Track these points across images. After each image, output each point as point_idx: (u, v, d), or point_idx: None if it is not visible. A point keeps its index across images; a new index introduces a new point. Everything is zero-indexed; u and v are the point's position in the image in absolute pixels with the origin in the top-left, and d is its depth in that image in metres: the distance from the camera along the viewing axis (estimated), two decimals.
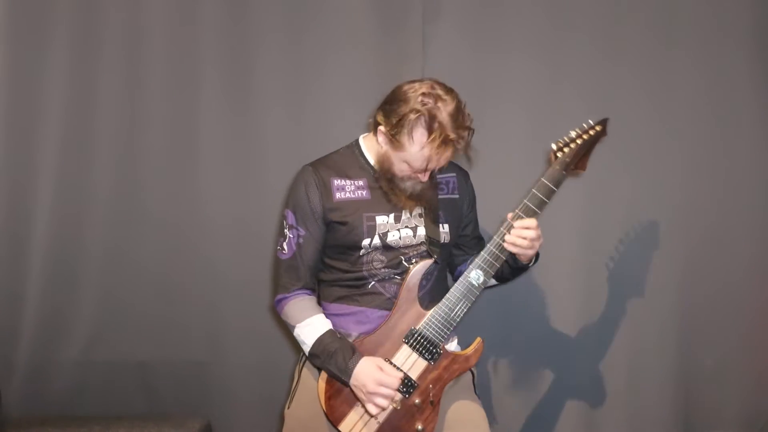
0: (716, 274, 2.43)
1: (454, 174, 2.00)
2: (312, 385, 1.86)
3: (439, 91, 1.75)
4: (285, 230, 1.90)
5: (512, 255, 1.84)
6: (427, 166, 1.78)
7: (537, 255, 1.91)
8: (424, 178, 1.83)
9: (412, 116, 1.72)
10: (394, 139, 1.76)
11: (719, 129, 2.43)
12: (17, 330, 2.47)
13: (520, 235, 1.77)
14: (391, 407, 1.77)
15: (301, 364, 1.94)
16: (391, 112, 1.77)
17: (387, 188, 1.85)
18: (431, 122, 1.72)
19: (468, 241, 2.05)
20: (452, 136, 1.73)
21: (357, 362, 1.76)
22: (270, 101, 2.48)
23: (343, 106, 2.44)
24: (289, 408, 1.90)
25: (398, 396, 1.78)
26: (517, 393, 2.44)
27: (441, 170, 1.90)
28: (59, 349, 2.48)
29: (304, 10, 2.46)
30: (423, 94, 1.73)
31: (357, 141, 1.95)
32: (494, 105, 2.45)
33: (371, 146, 1.91)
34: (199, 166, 2.48)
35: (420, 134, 1.73)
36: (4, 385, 2.41)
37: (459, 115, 1.75)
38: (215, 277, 2.48)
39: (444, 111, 1.73)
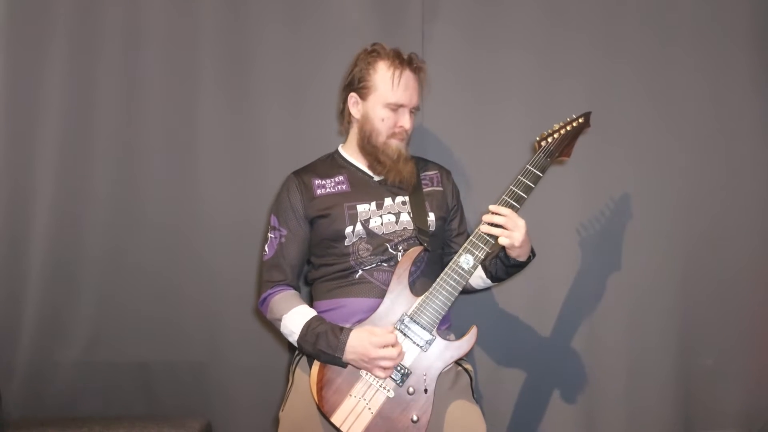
0: (716, 273, 2.42)
1: (437, 171, 2.08)
2: (305, 386, 1.86)
3: (376, 44, 1.96)
4: (268, 233, 1.97)
5: (504, 252, 1.87)
6: (400, 94, 1.89)
7: (533, 254, 1.93)
8: (406, 123, 1.92)
9: (367, 57, 1.93)
10: (364, 89, 1.93)
11: (719, 126, 2.42)
12: (17, 331, 2.47)
13: (492, 221, 1.80)
14: (384, 395, 1.77)
15: (294, 366, 1.95)
16: (351, 79, 1.96)
17: (373, 157, 1.94)
18: (384, 51, 1.93)
19: (454, 237, 2.07)
20: (408, 55, 1.92)
21: (348, 336, 1.77)
22: (269, 101, 2.48)
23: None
24: (283, 410, 1.90)
25: (392, 383, 1.78)
26: (516, 393, 2.44)
27: (424, 169, 2.05)
28: (59, 350, 2.48)
29: (303, 9, 2.47)
30: (369, 47, 1.95)
31: (336, 149, 2.07)
32: (493, 103, 2.46)
33: (348, 148, 2.03)
34: (199, 168, 2.48)
35: (380, 63, 1.92)
36: (4, 385, 2.41)
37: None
38: (214, 278, 2.48)
39: (392, 49, 1.94)
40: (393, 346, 1.76)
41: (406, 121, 1.93)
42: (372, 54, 1.93)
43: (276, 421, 1.92)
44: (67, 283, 2.48)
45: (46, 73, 2.46)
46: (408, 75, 1.91)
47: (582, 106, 2.38)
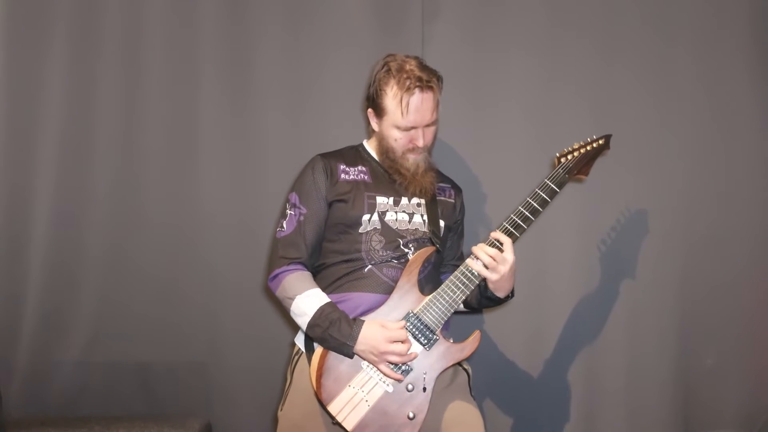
0: (716, 273, 2.43)
1: (450, 186, 2.09)
2: (304, 385, 1.86)
3: (399, 56, 1.93)
4: (287, 210, 1.95)
5: (484, 280, 1.85)
6: (410, 118, 1.87)
7: (512, 294, 1.92)
8: (419, 141, 1.91)
9: (381, 75, 1.91)
10: (377, 108, 1.92)
11: (718, 128, 2.43)
12: (17, 330, 2.47)
13: (486, 251, 1.79)
14: (383, 389, 1.77)
15: (292, 366, 1.94)
16: (369, 94, 1.95)
17: (392, 170, 1.94)
18: (399, 72, 1.89)
19: (450, 248, 2.07)
20: (418, 74, 1.87)
21: (361, 327, 1.78)
22: (269, 101, 2.48)
23: (342, 107, 2.44)
24: (281, 410, 1.91)
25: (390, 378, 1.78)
26: (515, 393, 2.44)
27: (440, 180, 2.05)
28: (59, 350, 2.48)
29: (304, 10, 2.47)
30: (385, 61, 1.93)
31: (361, 143, 2.07)
32: (493, 104, 2.46)
33: (373, 146, 2.03)
34: (199, 168, 2.49)
35: (391, 85, 1.89)
36: (5, 385, 2.41)
37: (422, 63, 1.93)
38: (214, 278, 2.48)
39: (407, 63, 1.91)
40: (403, 342, 1.76)
41: (419, 139, 1.90)
42: (385, 71, 1.90)
43: (275, 421, 1.92)
44: (67, 283, 2.48)
45: (46, 73, 2.47)
46: (417, 97, 1.86)
47: (583, 107, 2.41)
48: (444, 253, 2.05)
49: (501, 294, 1.88)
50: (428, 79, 1.87)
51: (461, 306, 2.00)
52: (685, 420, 2.43)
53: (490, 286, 1.85)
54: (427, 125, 1.91)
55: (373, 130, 2.00)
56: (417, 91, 1.86)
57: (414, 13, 2.46)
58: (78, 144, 2.47)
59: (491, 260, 1.79)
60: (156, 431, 2.21)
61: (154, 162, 2.49)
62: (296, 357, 1.94)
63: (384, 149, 1.95)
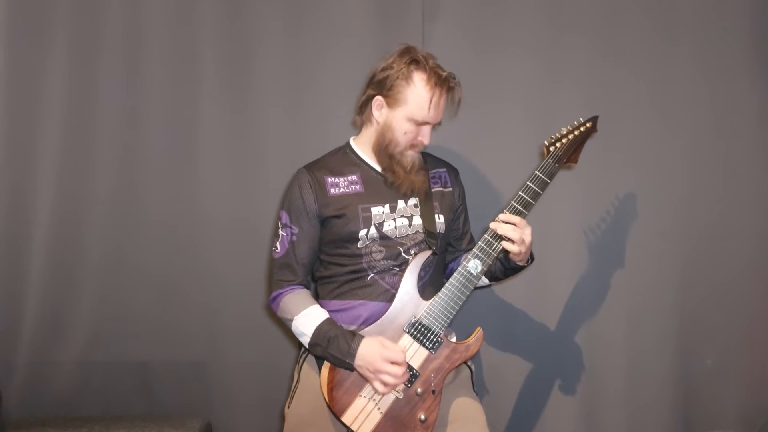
0: (716, 273, 2.43)
1: (445, 169, 2.06)
2: (312, 383, 1.87)
3: (416, 51, 1.89)
4: (279, 230, 1.94)
5: (506, 254, 1.87)
6: (429, 112, 1.84)
7: (532, 257, 1.93)
8: (426, 138, 1.89)
9: (406, 65, 1.85)
10: (393, 97, 1.86)
11: (719, 128, 2.43)
12: (17, 330, 2.47)
13: (508, 219, 1.81)
14: (393, 396, 1.79)
15: (300, 363, 1.95)
16: (382, 80, 1.88)
17: (387, 165, 1.91)
18: (424, 64, 1.85)
19: (458, 236, 2.07)
20: (445, 74, 1.86)
21: (359, 343, 1.78)
22: (269, 101, 2.48)
23: (342, 106, 2.43)
24: (289, 407, 1.91)
25: (401, 385, 1.79)
26: (516, 392, 2.44)
27: (433, 166, 2.01)
28: (59, 350, 2.47)
29: (304, 9, 2.47)
30: (407, 53, 1.88)
31: (347, 143, 2.03)
32: (493, 104, 2.46)
33: (362, 144, 1.98)
34: (199, 167, 2.48)
35: (418, 76, 1.85)
36: (5, 385, 2.41)
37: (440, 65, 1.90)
38: (215, 277, 2.48)
39: (429, 59, 1.88)
40: (400, 365, 1.76)
41: (426, 136, 1.89)
42: (411, 63, 1.86)
43: (280, 418, 1.92)
44: (68, 283, 2.48)
45: (47, 73, 2.46)
46: (443, 96, 1.87)
47: (582, 108, 2.39)
48: (455, 240, 2.06)
49: (523, 262, 1.91)
50: (452, 79, 1.88)
51: (486, 281, 2.03)
52: (685, 420, 2.43)
53: (514, 258, 1.88)
54: (435, 124, 1.91)
55: (368, 122, 1.95)
56: (440, 87, 1.86)
57: (414, 13, 2.46)
58: (78, 144, 2.47)
59: (515, 233, 1.80)
60: (156, 431, 2.21)
61: (153, 161, 2.48)
62: (304, 355, 1.95)
63: (384, 142, 1.90)
